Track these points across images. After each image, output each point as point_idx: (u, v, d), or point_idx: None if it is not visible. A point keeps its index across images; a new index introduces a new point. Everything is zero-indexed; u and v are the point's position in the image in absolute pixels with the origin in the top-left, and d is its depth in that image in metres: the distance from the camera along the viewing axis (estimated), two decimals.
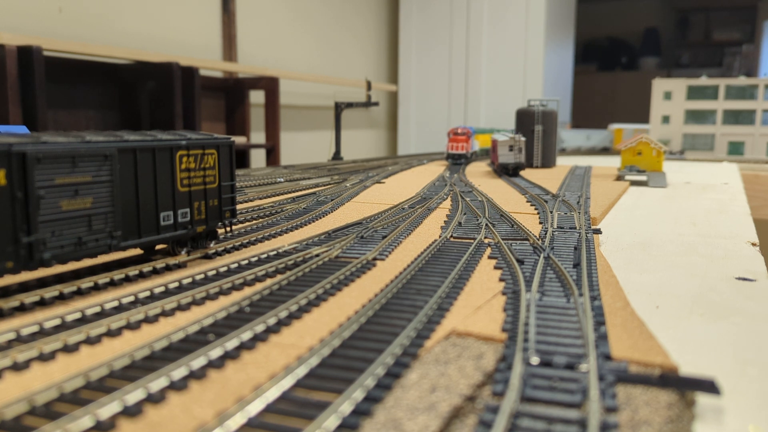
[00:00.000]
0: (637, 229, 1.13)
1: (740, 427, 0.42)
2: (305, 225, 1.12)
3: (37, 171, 0.60)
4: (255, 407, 0.40)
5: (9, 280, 0.67)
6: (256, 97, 3.06)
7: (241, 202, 1.36)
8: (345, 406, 0.40)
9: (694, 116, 3.30)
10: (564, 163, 2.64)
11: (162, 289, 0.67)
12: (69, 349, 0.51)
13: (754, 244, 1.00)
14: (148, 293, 0.66)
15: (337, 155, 2.90)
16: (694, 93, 3.29)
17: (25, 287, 0.66)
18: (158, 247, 0.85)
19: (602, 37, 6.34)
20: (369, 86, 3.17)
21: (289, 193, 1.56)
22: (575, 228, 1.05)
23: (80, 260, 0.68)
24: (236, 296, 0.67)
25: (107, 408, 0.40)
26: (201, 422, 0.40)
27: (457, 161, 2.38)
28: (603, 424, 0.39)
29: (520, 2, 4.00)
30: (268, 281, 0.73)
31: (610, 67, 6.28)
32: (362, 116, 4.20)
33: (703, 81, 3.28)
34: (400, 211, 1.25)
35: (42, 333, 0.54)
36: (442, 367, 0.49)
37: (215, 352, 0.50)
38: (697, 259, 0.90)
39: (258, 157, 3.09)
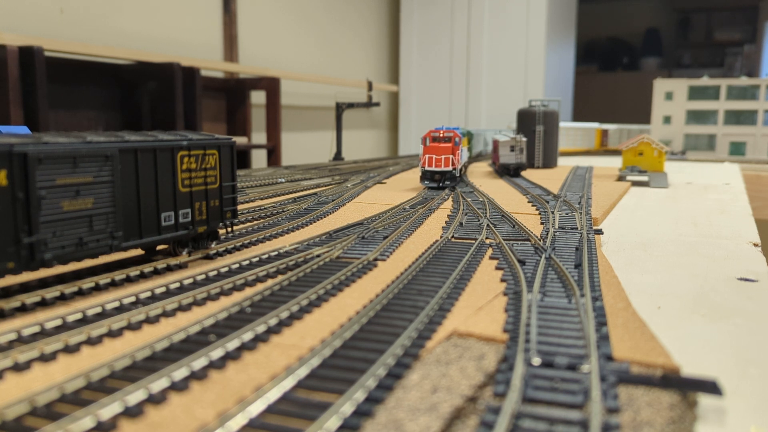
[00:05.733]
0: (638, 230, 1.13)
1: (742, 428, 0.42)
2: (306, 225, 1.12)
3: (39, 171, 0.60)
4: (256, 408, 0.40)
5: (10, 280, 0.67)
6: (257, 97, 3.06)
7: (242, 203, 1.36)
8: (346, 406, 0.40)
9: (695, 116, 3.30)
10: (565, 163, 2.64)
11: (163, 289, 0.67)
12: (70, 349, 0.51)
13: (755, 245, 1.00)
14: (149, 294, 0.65)
15: (338, 155, 2.90)
16: (695, 93, 3.29)
17: (26, 288, 0.66)
18: (159, 247, 0.85)
19: (603, 37, 6.33)
20: (370, 86, 3.18)
21: (290, 193, 1.56)
22: (576, 228, 1.04)
23: (81, 261, 0.68)
24: (237, 297, 0.67)
25: (108, 408, 0.40)
26: (202, 423, 0.40)
27: (439, 183, 1.57)
28: (605, 425, 0.39)
29: (521, 2, 4.00)
30: (269, 281, 0.73)
31: (611, 68, 6.28)
32: (363, 116, 4.20)
33: (705, 81, 3.28)
34: (402, 211, 1.25)
35: (43, 333, 0.54)
36: (443, 367, 0.49)
37: (216, 353, 0.49)
38: (699, 260, 0.90)
39: (259, 158, 3.09)
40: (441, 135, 1.59)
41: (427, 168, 1.57)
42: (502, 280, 0.74)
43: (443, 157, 1.56)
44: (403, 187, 1.71)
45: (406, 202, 1.38)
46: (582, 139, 3.31)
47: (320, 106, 3.65)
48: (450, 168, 1.56)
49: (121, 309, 0.61)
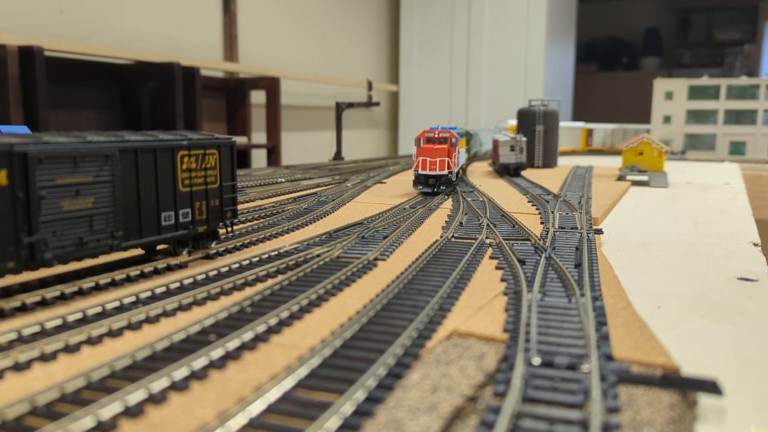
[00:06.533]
0: (638, 230, 1.13)
1: (742, 428, 0.42)
2: (306, 225, 1.12)
3: (39, 171, 0.60)
4: (256, 407, 0.40)
5: (10, 280, 0.67)
6: (257, 97, 3.06)
7: (242, 203, 1.36)
8: (346, 406, 0.40)
9: (695, 116, 3.30)
10: (565, 163, 2.64)
11: (163, 289, 0.67)
12: (70, 349, 0.51)
13: (755, 245, 1.00)
14: (149, 293, 0.65)
15: (338, 155, 2.90)
16: (695, 93, 3.29)
17: (26, 287, 0.66)
18: (159, 247, 0.85)
19: (603, 37, 6.33)
20: (370, 86, 3.18)
21: (291, 193, 1.56)
22: (576, 228, 1.04)
23: (81, 260, 0.68)
24: (237, 296, 0.67)
25: (108, 408, 0.40)
26: (202, 422, 0.40)
27: (434, 188, 1.45)
28: (605, 425, 0.39)
29: (521, 2, 4.00)
30: (270, 281, 0.73)
31: (612, 67, 6.28)
32: (363, 116, 4.20)
33: (705, 81, 3.28)
34: (402, 211, 1.25)
35: (43, 333, 0.54)
36: (443, 367, 0.49)
37: (216, 353, 0.49)
38: (699, 260, 0.90)
39: (259, 158, 3.09)
40: (436, 135, 1.47)
41: (420, 171, 1.44)
42: (502, 280, 0.74)
43: (438, 159, 1.43)
44: (403, 186, 1.71)
45: (406, 201, 1.38)
46: (568, 139, 3.31)
47: (320, 106, 3.65)
48: (445, 172, 1.43)
49: (121, 309, 0.61)
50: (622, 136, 3.54)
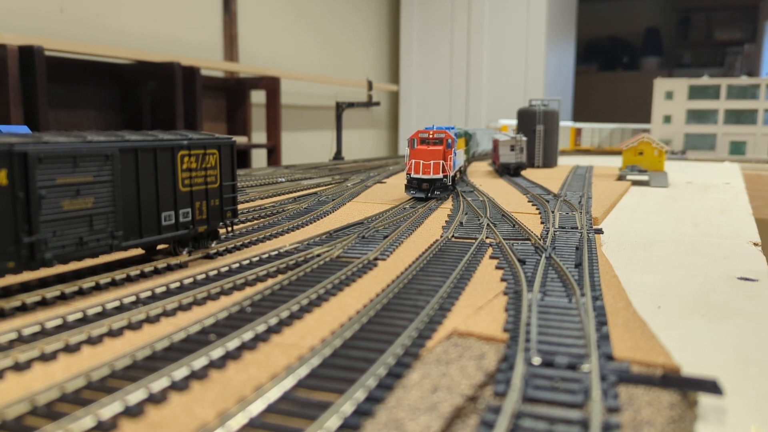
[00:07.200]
0: (638, 229, 1.13)
1: (742, 428, 0.42)
2: (306, 225, 1.12)
3: (39, 171, 0.60)
4: (256, 407, 0.40)
5: (10, 280, 0.67)
6: (258, 97, 3.06)
7: (242, 202, 1.36)
8: (347, 406, 0.40)
9: (695, 116, 3.30)
10: (565, 163, 2.64)
11: (163, 289, 0.67)
12: (70, 349, 0.51)
13: (755, 244, 1.00)
14: (149, 293, 0.65)
15: (338, 155, 2.90)
16: (695, 93, 3.29)
17: (26, 287, 0.66)
18: (160, 247, 0.85)
19: (603, 36, 6.33)
20: (370, 86, 3.18)
21: (291, 193, 1.56)
22: (577, 228, 1.04)
23: (82, 260, 0.68)
24: (237, 296, 0.67)
25: (109, 408, 0.40)
26: (202, 422, 0.40)
27: (428, 193, 1.36)
28: (605, 425, 0.39)
29: (521, 2, 4.00)
30: (270, 281, 0.73)
31: (612, 67, 6.28)
32: (363, 116, 4.20)
33: (705, 81, 3.28)
34: (402, 210, 1.25)
35: (43, 333, 0.54)
36: (443, 367, 0.49)
37: (217, 352, 0.49)
38: (699, 259, 0.89)
39: (259, 157, 3.09)
40: (430, 136, 1.36)
41: (413, 175, 1.35)
42: (503, 280, 0.74)
43: (432, 162, 1.33)
44: (403, 186, 1.71)
45: (406, 201, 1.37)
46: None
47: (320, 106, 3.65)
48: (440, 175, 1.33)
49: (121, 308, 0.61)
50: (610, 137, 3.53)
